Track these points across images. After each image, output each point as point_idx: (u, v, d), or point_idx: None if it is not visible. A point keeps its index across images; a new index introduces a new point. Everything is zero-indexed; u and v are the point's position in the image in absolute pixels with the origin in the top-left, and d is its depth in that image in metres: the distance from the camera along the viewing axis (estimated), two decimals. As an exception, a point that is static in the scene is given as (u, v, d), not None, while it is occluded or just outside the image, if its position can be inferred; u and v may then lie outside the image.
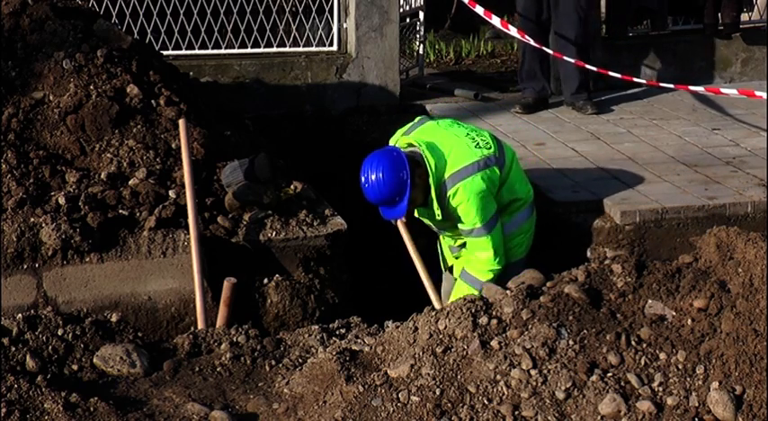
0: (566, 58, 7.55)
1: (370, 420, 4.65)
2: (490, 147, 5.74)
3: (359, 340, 5.42)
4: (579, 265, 5.17)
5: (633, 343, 4.70)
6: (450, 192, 5.62)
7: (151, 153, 6.18)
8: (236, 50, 8.32)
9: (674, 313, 4.79)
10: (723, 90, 7.10)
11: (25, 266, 5.71)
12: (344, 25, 8.37)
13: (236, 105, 7.63)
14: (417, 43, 9.07)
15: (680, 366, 4.61)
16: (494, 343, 4.75)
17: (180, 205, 5.94)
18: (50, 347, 5.40)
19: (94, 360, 5.38)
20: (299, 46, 8.40)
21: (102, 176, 6.04)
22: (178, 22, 8.16)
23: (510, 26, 7.65)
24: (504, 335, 4.78)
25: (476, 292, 5.69)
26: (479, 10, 7.56)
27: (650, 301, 4.86)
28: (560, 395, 4.57)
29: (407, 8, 8.89)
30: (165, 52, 7.63)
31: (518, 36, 7.60)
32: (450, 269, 6.18)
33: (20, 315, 5.56)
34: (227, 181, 6.12)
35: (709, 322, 4.70)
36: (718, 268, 4.93)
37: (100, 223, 5.79)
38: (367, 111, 8.31)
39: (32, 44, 6.42)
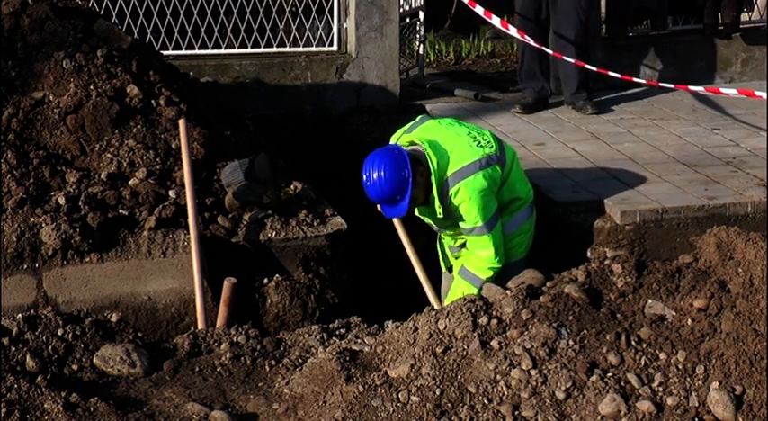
0: (565, 58, 7.55)
1: (370, 420, 4.65)
2: (491, 146, 5.75)
3: (359, 340, 5.42)
4: (579, 265, 5.17)
5: (633, 343, 4.70)
6: (452, 191, 5.62)
7: (151, 153, 6.19)
8: (236, 50, 8.32)
9: (674, 313, 4.79)
10: (723, 90, 7.11)
11: (25, 266, 5.71)
12: (344, 25, 8.37)
13: (236, 105, 7.63)
14: (417, 43, 9.07)
15: (680, 366, 4.61)
16: (494, 343, 4.75)
17: (180, 205, 5.94)
18: (50, 347, 5.40)
19: (94, 360, 5.38)
20: (299, 46, 8.40)
21: (102, 176, 6.04)
22: (178, 22, 8.16)
23: (510, 26, 7.65)
24: (504, 335, 4.78)
25: (474, 289, 5.71)
26: (479, 10, 7.56)
27: (650, 301, 4.86)
28: (560, 395, 4.57)
29: (407, 8, 8.89)
30: (165, 52, 7.63)
31: (518, 36, 7.60)
32: (450, 269, 6.19)
33: (20, 315, 5.56)
34: (227, 181, 6.12)
35: (709, 322, 4.70)
36: (718, 268, 4.93)
37: (100, 223, 5.79)
38: (367, 111, 8.31)
39: (32, 44, 6.42)
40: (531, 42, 7.46)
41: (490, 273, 5.74)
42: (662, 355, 4.65)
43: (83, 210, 5.81)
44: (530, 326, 4.77)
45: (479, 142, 5.72)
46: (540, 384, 4.61)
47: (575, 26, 8.06)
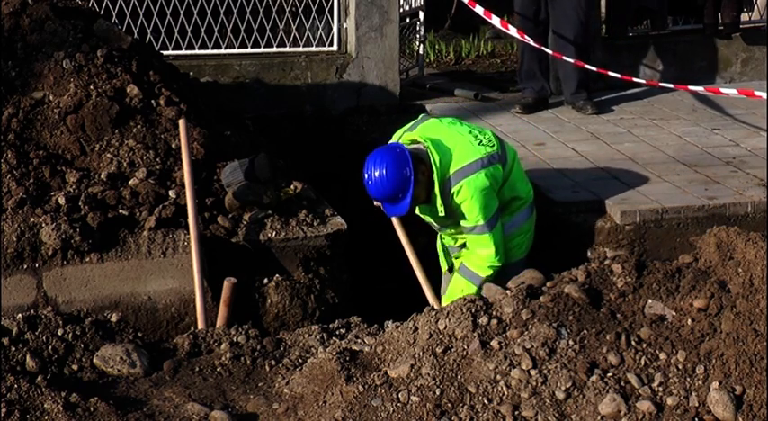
0: (565, 57, 7.55)
1: (370, 420, 4.65)
2: (493, 145, 5.75)
3: (359, 340, 5.42)
4: (579, 265, 5.17)
5: (633, 343, 4.70)
6: (454, 189, 5.62)
7: (151, 153, 6.19)
8: (236, 50, 8.32)
9: (674, 313, 4.79)
10: (723, 90, 7.11)
11: (25, 266, 5.71)
12: (344, 25, 8.37)
13: (236, 105, 7.63)
14: (417, 43, 9.07)
15: (680, 366, 4.61)
16: (494, 343, 4.75)
17: (180, 205, 5.94)
18: (50, 347, 5.40)
19: (94, 360, 5.38)
20: (299, 46, 8.40)
21: (102, 176, 6.04)
22: (178, 22, 8.16)
23: (510, 26, 7.66)
24: (504, 335, 4.78)
25: (473, 287, 5.71)
26: (479, 10, 7.56)
27: (650, 301, 4.86)
28: (560, 395, 4.57)
29: (407, 8, 8.89)
30: (165, 52, 7.63)
31: (518, 36, 7.60)
32: (451, 269, 6.18)
33: (20, 315, 5.56)
34: (227, 181, 6.12)
35: (709, 322, 4.70)
36: (718, 268, 4.93)
37: (100, 223, 5.79)
38: (367, 111, 8.31)
39: (32, 44, 6.42)
40: (531, 42, 7.46)
41: (490, 272, 5.75)
42: (662, 355, 4.65)
43: (83, 210, 5.81)
44: (530, 326, 4.77)
45: (481, 141, 5.73)
46: (540, 384, 4.61)
47: (574, 26, 8.06)
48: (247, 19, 8.27)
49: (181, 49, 8.20)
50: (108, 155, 6.17)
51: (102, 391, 5.07)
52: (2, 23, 6.44)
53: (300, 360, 5.32)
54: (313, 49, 8.40)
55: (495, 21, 7.48)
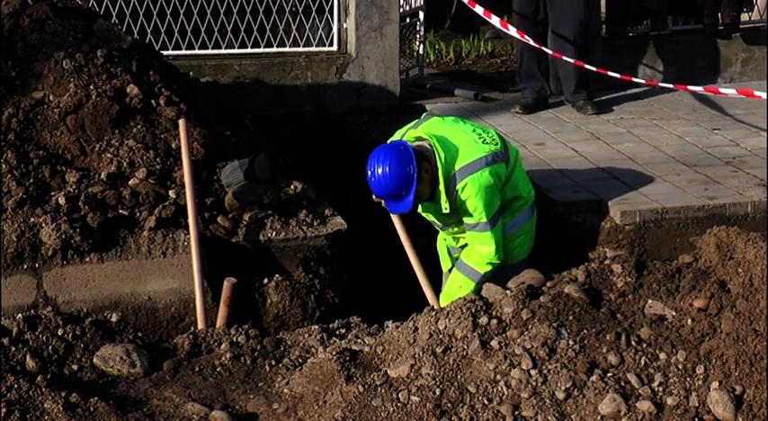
0: (564, 57, 7.55)
1: (370, 420, 4.65)
2: (497, 144, 5.76)
3: (359, 340, 5.42)
4: (579, 265, 5.17)
5: (633, 343, 4.70)
6: (459, 186, 5.62)
7: (151, 153, 6.19)
8: (236, 50, 8.32)
9: (674, 313, 4.79)
10: (722, 90, 7.11)
11: (25, 266, 5.71)
12: (344, 25, 8.37)
13: (236, 105, 7.63)
14: (417, 43, 9.07)
15: (680, 366, 4.61)
16: (494, 343, 4.75)
17: (180, 205, 5.94)
18: (50, 347, 5.40)
19: (94, 360, 5.38)
20: (299, 46, 8.40)
21: (102, 176, 6.04)
22: (178, 22, 8.16)
23: (509, 26, 7.66)
24: (504, 335, 4.78)
25: (471, 283, 5.71)
26: (479, 10, 7.56)
27: (650, 301, 4.86)
28: (560, 395, 4.57)
29: (407, 8, 8.89)
30: (165, 52, 7.63)
31: (517, 36, 7.60)
32: (451, 270, 6.18)
33: (20, 315, 5.56)
34: (227, 181, 6.12)
35: (709, 322, 4.70)
36: (718, 268, 4.93)
37: (100, 223, 5.79)
38: (367, 111, 8.31)
39: (32, 44, 6.42)
40: (531, 42, 7.46)
41: (489, 268, 5.75)
42: (662, 355, 4.65)
43: (83, 210, 5.81)
44: (530, 326, 4.77)
45: (485, 139, 5.74)
46: (540, 384, 4.61)
47: (572, 25, 8.06)
48: (247, 19, 8.27)
49: (181, 49, 8.20)
50: (108, 155, 6.17)
51: (102, 391, 5.07)
52: (2, 23, 6.44)
53: (300, 360, 5.32)
54: (313, 49, 8.41)
55: (495, 21, 7.48)
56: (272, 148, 6.85)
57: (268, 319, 5.90)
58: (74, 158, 6.16)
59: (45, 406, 4.85)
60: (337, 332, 5.69)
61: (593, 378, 4.59)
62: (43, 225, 5.72)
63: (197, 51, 8.23)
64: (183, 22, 8.16)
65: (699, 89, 7.27)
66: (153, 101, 6.39)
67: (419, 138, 5.74)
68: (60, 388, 4.98)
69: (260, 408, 4.94)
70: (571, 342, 4.70)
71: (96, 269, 5.77)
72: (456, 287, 5.76)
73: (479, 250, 5.77)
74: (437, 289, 6.07)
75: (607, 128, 7.90)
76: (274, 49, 8.37)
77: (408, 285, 6.16)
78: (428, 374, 4.71)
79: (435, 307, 5.29)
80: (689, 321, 4.73)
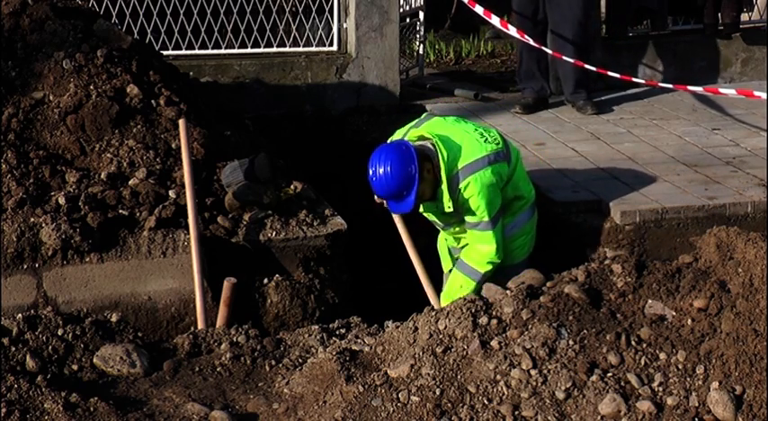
0: (564, 57, 7.55)
1: (370, 420, 4.65)
2: (498, 143, 5.76)
3: (359, 340, 5.42)
4: (579, 265, 5.17)
5: (633, 343, 4.70)
6: (462, 184, 5.62)
7: (151, 153, 6.19)
8: (236, 50, 8.32)
9: (674, 313, 4.79)
10: (722, 90, 7.11)
11: (25, 266, 5.71)
12: (344, 25, 8.37)
13: (236, 105, 7.63)
14: (417, 43, 9.07)
15: (680, 366, 4.61)
16: (494, 343, 4.75)
17: (180, 205, 5.94)
18: (50, 347, 5.40)
19: (94, 360, 5.38)
20: (299, 46, 8.40)
21: (102, 176, 6.04)
22: (178, 22, 8.16)
23: (510, 26, 7.66)
24: (504, 335, 4.78)
25: (472, 283, 5.71)
26: (479, 10, 7.56)
27: (650, 301, 4.86)
28: (560, 395, 4.57)
29: (407, 8, 8.89)
30: (165, 52, 7.63)
31: (517, 36, 7.60)
32: (452, 271, 6.18)
33: (20, 315, 5.56)
34: (227, 181, 6.12)
35: (709, 322, 4.70)
36: (718, 268, 4.93)
37: (100, 223, 5.79)
38: (367, 111, 8.31)
39: (32, 44, 6.42)
40: (531, 42, 7.46)
41: (489, 268, 5.75)
42: (662, 355, 4.65)
43: (83, 210, 5.81)
44: (530, 326, 4.77)
45: (487, 139, 5.74)
46: (540, 384, 4.61)
47: (572, 26, 8.06)
48: (247, 19, 8.27)
49: (181, 49, 8.20)
50: (108, 155, 6.17)
51: (102, 391, 5.07)
52: (2, 23, 6.44)
53: (300, 360, 5.32)
54: (313, 49, 8.40)
55: (495, 21, 7.48)
56: (272, 148, 6.85)
57: (268, 319, 5.90)
58: (74, 158, 6.16)
59: (45, 406, 4.85)
60: (337, 332, 5.69)
61: (593, 378, 4.59)
62: (43, 225, 5.72)
63: (197, 51, 8.23)
64: (183, 22, 8.16)
65: (699, 89, 7.27)
66: (153, 101, 6.39)
67: (421, 138, 5.74)
68: (60, 388, 4.98)
69: (260, 408, 4.94)
70: (571, 342, 4.70)
71: (96, 269, 5.77)
72: (456, 287, 5.76)
73: (480, 249, 5.77)
74: (438, 289, 6.07)
75: (607, 128, 7.90)
76: (274, 49, 8.37)
77: (408, 285, 6.16)
78: (428, 374, 4.71)
79: (436, 307, 5.29)
80: (689, 321, 4.73)
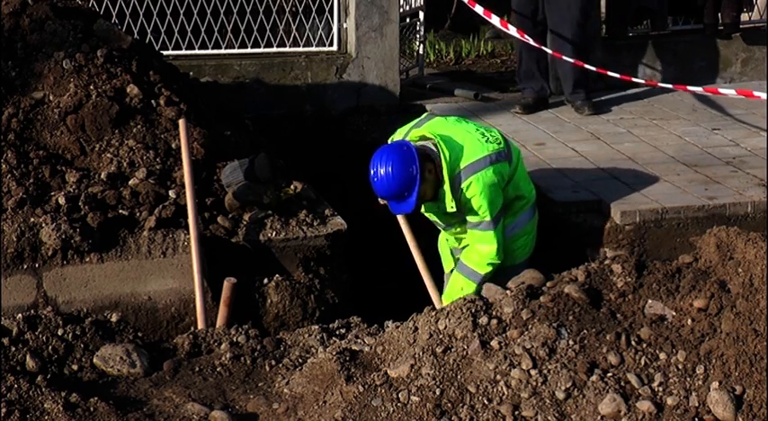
0: (564, 57, 7.55)
1: (370, 420, 4.65)
2: (500, 143, 5.76)
3: (359, 340, 5.42)
4: (579, 265, 5.17)
5: (633, 343, 4.70)
6: (464, 184, 5.62)
7: (151, 153, 6.19)
8: (236, 50, 8.32)
9: (674, 313, 4.79)
10: (721, 90, 7.11)
11: (25, 266, 5.71)
12: (344, 25, 8.37)
13: (236, 105, 7.63)
14: (417, 43, 9.07)
15: (680, 366, 4.61)
16: (494, 343, 4.75)
17: (180, 205, 5.94)
18: (50, 347, 5.40)
19: (94, 360, 5.38)
20: (299, 46, 8.40)
21: (102, 176, 6.04)
22: (178, 22, 8.16)
23: (510, 26, 7.66)
24: (504, 335, 4.78)
25: (473, 285, 5.70)
26: (479, 10, 7.56)
27: (650, 301, 4.86)
28: (560, 395, 4.57)
29: (407, 8, 8.89)
30: (165, 52, 7.63)
31: (517, 35, 7.61)
32: (453, 271, 6.17)
33: (20, 315, 5.56)
34: (227, 181, 6.12)
35: (709, 322, 4.70)
36: (718, 268, 4.93)
37: (100, 223, 5.79)
38: (367, 111, 8.31)
39: (32, 44, 6.42)
40: (531, 42, 7.46)
41: (489, 269, 5.74)
42: (662, 355, 4.65)
43: (83, 210, 5.81)
44: (530, 326, 4.77)
45: (488, 138, 5.74)
46: (540, 384, 4.61)
47: (571, 26, 8.06)
48: (247, 19, 8.27)
49: (181, 49, 8.20)
50: (108, 155, 6.17)
51: (102, 391, 5.07)
52: (2, 23, 6.44)
53: (300, 360, 5.32)
54: (313, 49, 8.41)
55: (495, 20, 7.48)
56: (272, 148, 6.85)
57: (268, 319, 5.90)
58: (74, 158, 6.17)
59: (45, 406, 4.85)
60: (337, 332, 5.69)
61: (593, 378, 4.59)
62: (43, 225, 5.72)
63: (197, 51, 8.23)
64: (183, 22, 8.16)
65: (698, 89, 7.27)
66: (153, 101, 6.40)
67: (423, 138, 5.74)
68: (60, 388, 4.98)
69: (260, 408, 4.94)
70: (571, 342, 4.70)
71: (96, 269, 5.77)
72: (457, 289, 5.76)
73: (480, 250, 5.76)
74: (440, 290, 6.07)
75: (607, 128, 7.90)
76: (274, 49, 8.37)
77: (408, 285, 6.16)
78: (428, 374, 4.71)
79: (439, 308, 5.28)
80: (689, 321, 4.73)
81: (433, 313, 4.99)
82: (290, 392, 5.00)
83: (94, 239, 5.77)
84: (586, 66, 7.42)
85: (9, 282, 5.68)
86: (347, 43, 8.38)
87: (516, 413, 4.55)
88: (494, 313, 4.88)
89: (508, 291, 5.01)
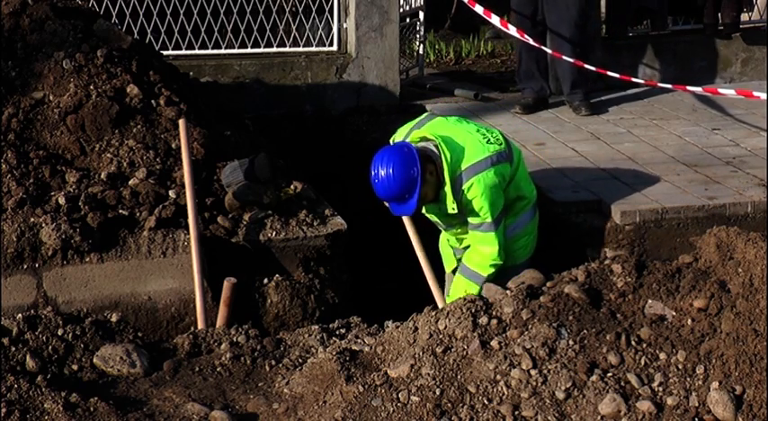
0: (563, 57, 7.55)
1: (370, 420, 4.65)
2: (501, 143, 5.76)
3: (359, 340, 5.42)
4: (579, 265, 5.17)
5: (633, 343, 4.70)
6: (465, 186, 5.62)
7: (151, 153, 6.19)
8: (236, 50, 8.33)
9: (674, 313, 4.79)
10: (721, 90, 7.10)
11: (25, 266, 5.71)
12: (344, 25, 8.37)
13: (236, 105, 7.63)
14: (417, 43, 9.07)
15: (680, 366, 4.61)
16: (494, 343, 4.75)
17: (180, 205, 5.94)
18: (50, 347, 5.40)
19: (94, 360, 5.38)
20: (299, 46, 8.40)
21: (102, 176, 6.04)
22: (178, 22, 8.16)
23: (509, 25, 7.66)
24: (504, 335, 4.78)
25: (476, 287, 5.70)
26: (479, 9, 7.56)
27: (650, 301, 4.86)
28: (560, 395, 4.57)
29: (407, 8, 8.89)
30: (165, 52, 7.63)
31: (517, 35, 7.61)
32: (454, 271, 6.17)
33: (20, 315, 5.56)
34: (227, 181, 6.12)
35: (709, 322, 4.70)
36: (718, 268, 4.93)
37: (100, 223, 5.79)
38: (367, 111, 8.31)
39: (32, 44, 6.42)
40: (531, 41, 7.46)
41: (492, 270, 5.74)
42: (662, 355, 4.65)
43: (83, 210, 5.81)
44: (530, 326, 4.77)
45: (489, 139, 5.73)
46: (540, 384, 4.61)
47: (568, 25, 8.06)
48: (247, 19, 8.27)
49: (181, 49, 8.20)
50: (108, 155, 6.17)
51: (102, 391, 5.07)
52: (2, 23, 6.44)
53: (300, 360, 5.32)
54: (313, 49, 8.41)
55: (495, 20, 7.48)
56: (272, 148, 6.85)
57: (268, 319, 5.90)
58: (74, 158, 6.17)
59: (45, 406, 4.85)
60: (337, 332, 5.69)
61: (593, 378, 4.59)
62: (43, 225, 5.72)
63: (197, 51, 8.23)
64: (183, 22, 8.16)
65: (698, 89, 7.27)
66: (153, 101, 6.40)
67: (424, 139, 5.74)
68: (60, 388, 4.98)
69: (260, 408, 4.94)
70: (571, 342, 4.70)
71: (96, 269, 5.77)
72: (460, 292, 5.75)
73: (482, 251, 5.76)
74: (442, 290, 6.07)
75: (607, 128, 7.90)
76: (274, 49, 8.37)
77: (408, 285, 6.16)
78: (428, 374, 4.71)
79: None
80: (689, 321, 4.73)
81: (433, 313, 4.99)
82: (290, 392, 5.00)
83: (94, 239, 5.77)
84: (586, 65, 7.42)
85: (9, 282, 5.68)
86: (347, 43, 8.38)
87: (516, 413, 4.55)
88: (494, 313, 4.88)
89: (508, 291, 5.01)
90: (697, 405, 4.50)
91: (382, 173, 5.53)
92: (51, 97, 6.29)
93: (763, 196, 6.48)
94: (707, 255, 5.03)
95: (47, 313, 5.61)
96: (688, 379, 4.57)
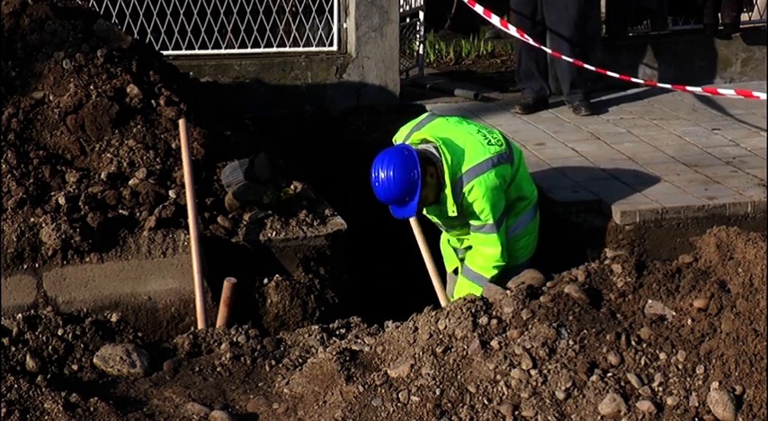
0: (563, 57, 7.55)
1: (370, 420, 4.65)
2: (502, 145, 5.75)
3: (359, 340, 5.42)
4: (579, 265, 5.17)
5: (633, 343, 4.70)
6: (466, 188, 5.61)
7: (151, 153, 6.19)
8: (236, 50, 8.33)
9: (674, 313, 4.79)
10: (720, 90, 7.10)
11: (25, 266, 5.71)
12: (344, 25, 8.37)
13: (236, 105, 7.63)
14: (417, 43, 9.07)
15: (680, 366, 4.61)
16: (494, 343, 4.75)
17: (180, 205, 5.94)
18: (50, 347, 5.40)
19: (94, 360, 5.38)
20: (299, 46, 8.40)
21: (102, 176, 6.04)
22: (178, 22, 8.16)
23: (509, 25, 7.66)
24: (504, 335, 4.78)
25: (479, 289, 5.70)
26: (479, 9, 7.56)
27: (650, 301, 4.86)
28: (560, 395, 4.57)
29: (407, 8, 8.89)
30: (165, 52, 7.63)
31: (517, 35, 7.61)
32: (456, 271, 6.17)
33: (20, 315, 5.56)
34: (227, 181, 6.12)
35: (709, 322, 4.70)
36: (718, 268, 4.93)
37: (100, 223, 5.79)
38: (367, 111, 8.31)
39: (32, 44, 6.42)
40: (531, 41, 7.46)
41: (495, 272, 5.74)
42: (662, 355, 4.65)
43: (83, 210, 5.81)
44: (530, 326, 4.77)
45: (490, 140, 5.73)
46: (540, 384, 4.61)
47: (567, 25, 8.06)
48: (247, 19, 8.27)
49: (181, 49, 8.20)
50: (108, 155, 6.17)
51: (102, 391, 5.07)
52: (2, 23, 6.44)
53: (300, 360, 5.32)
54: (313, 49, 8.41)
55: (495, 20, 7.48)
56: (272, 148, 6.85)
57: (268, 319, 5.90)
58: (74, 158, 6.17)
59: (45, 406, 4.85)
60: (337, 332, 5.69)
61: (593, 378, 4.59)
62: (43, 225, 5.72)
63: (197, 51, 8.23)
64: (183, 22, 8.16)
65: (698, 89, 7.27)
66: (153, 101, 6.40)
67: (424, 141, 5.73)
68: (60, 388, 4.98)
69: (260, 408, 4.94)
70: (571, 342, 4.70)
71: (96, 269, 5.77)
72: (464, 294, 5.75)
73: (485, 252, 5.76)
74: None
75: (607, 128, 7.90)
76: (274, 49, 8.37)
77: (408, 285, 6.16)
78: (428, 374, 4.71)
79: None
80: (689, 321, 4.73)
81: (433, 313, 4.99)
82: (290, 392, 5.00)
83: (94, 239, 5.77)
84: (585, 65, 7.42)
85: (9, 282, 5.68)
86: (347, 43, 8.38)
87: (516, 413, 4.55)
88: (494, 313, 4.88)
89: (508, 291, 5.01)
90: (697, 405, 4.50)
91: (383, 175, 5.52)
92: (51, 97, 6.29)
93: (763, 196, 6.48)
94: (707, 255, 5.03)
95: (47, 313, 5.61)
96: (688, 379, 4.57)
